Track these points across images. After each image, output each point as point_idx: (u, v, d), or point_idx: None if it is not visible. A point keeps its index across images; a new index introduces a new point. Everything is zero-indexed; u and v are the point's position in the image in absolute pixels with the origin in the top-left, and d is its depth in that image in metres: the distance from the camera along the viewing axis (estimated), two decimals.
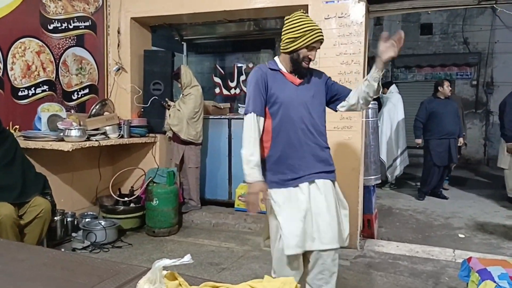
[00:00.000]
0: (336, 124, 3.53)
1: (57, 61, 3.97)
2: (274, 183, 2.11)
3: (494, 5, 3.64)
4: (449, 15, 9.06)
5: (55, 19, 3.93)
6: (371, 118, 3.88)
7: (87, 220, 3.81)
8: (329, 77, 2.26)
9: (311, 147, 2.11)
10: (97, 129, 3.84)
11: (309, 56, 2.08)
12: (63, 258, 1.50)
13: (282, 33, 2.12)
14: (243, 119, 2.12)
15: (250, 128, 2.06)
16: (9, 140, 2.99)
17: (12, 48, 3.53)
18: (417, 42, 9.32)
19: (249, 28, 5.09)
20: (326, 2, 3.60)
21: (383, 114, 5.95)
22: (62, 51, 4.01)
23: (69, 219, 3.68)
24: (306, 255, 2.12)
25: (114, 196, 4.18)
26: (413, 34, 9.31)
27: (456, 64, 9.08)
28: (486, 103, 8.98)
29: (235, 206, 4.41)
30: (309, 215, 2.04)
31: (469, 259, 2.33)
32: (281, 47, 2.14)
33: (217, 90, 5.98)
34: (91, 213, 4.04)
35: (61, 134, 3.48)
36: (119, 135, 4.00)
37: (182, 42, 5.89)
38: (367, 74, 2.16)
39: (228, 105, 5.23)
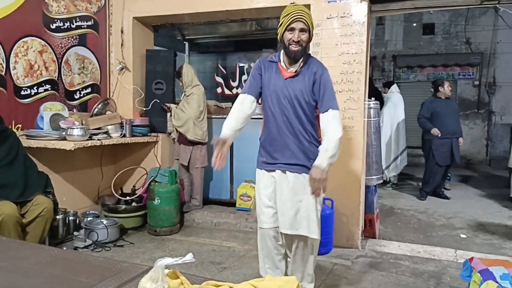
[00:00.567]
0: None
1: (60, 61, 3.98)
2: (258, 163, 2.41)
3: (497, 5, 3.62)
4: (451, 15, 9.03)
5: (57, 19, 3.93)
6: (373, 118, 3.87)
7: (89, 219, 3.83)
8: (322, 80, 2.22)
9: (290, 139, 2.26)
10: (99, 128, 3.85)
11: (292, 39, 2.16)
12: (65, 257, 1.51)
13: None
14: None
15: (235, 105, 2.31)
16: (12, 139, 3.01)
17: (14, 47, 3.54)
18: (419, 42, 9.30)
19: (251, 28, 5.09)
20: (328, 1, 3.60)
21: (383, 114, 5.93)
22: (64, 50, 4.02)
23: (71, 217, 3.69)
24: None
25: (116, 195, 4.19)
26: (415, 34, 9.29)
27: (458, 64, 9.05)
28: (488, 103, 8.95)
29: (237, 205, 4.41)
30: (274, 198, 2.32)
31: (471, 259, 2.32)
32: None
33: (219, 90, 5.98)
34: (93, 212, 4.05)
35: (63, 133, 3.49)
36: (121, 134, 4.00)
37: (184, 42, 5.90)
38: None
39: (230, 104, 5.20)
